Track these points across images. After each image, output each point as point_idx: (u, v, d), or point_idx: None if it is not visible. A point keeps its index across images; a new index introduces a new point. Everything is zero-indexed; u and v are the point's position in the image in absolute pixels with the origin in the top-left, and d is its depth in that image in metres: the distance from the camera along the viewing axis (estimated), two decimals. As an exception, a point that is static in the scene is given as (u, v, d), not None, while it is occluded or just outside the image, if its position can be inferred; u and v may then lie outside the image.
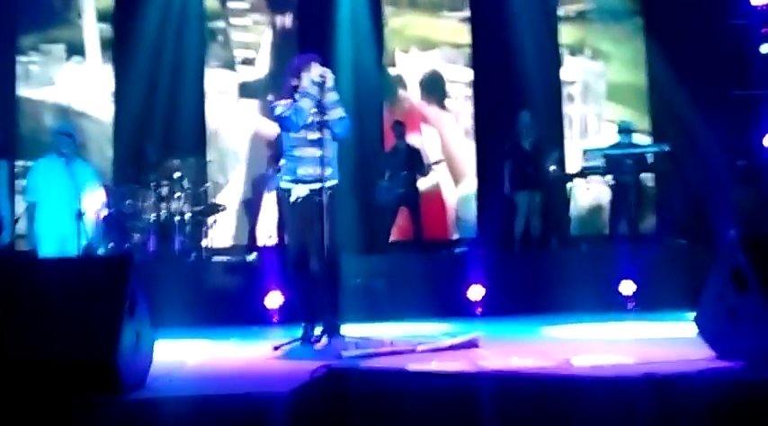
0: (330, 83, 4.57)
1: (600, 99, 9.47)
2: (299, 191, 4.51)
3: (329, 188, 4.56)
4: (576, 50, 9.52)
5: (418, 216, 8.07)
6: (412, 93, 9.39)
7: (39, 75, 8.83)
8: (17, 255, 5.60)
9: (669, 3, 9.03)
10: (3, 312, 2.83)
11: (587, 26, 9.58)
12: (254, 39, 9.28)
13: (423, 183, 8.28)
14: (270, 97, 8.76)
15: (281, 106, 4.53)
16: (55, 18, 8.92)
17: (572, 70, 9.48)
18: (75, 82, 8.86)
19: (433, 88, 9.40)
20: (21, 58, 8.78)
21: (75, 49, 8.92)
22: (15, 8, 8.73)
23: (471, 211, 9.12)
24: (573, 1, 9.59)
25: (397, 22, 9.44)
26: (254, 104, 9.18)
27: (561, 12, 9.51)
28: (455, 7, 9.51)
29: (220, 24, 9.24)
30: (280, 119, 4.56)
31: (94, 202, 5.97)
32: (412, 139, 8.56)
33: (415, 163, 8.03)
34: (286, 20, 9.29)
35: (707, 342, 3.40)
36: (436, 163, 8.19)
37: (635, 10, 9.52)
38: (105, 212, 6.32)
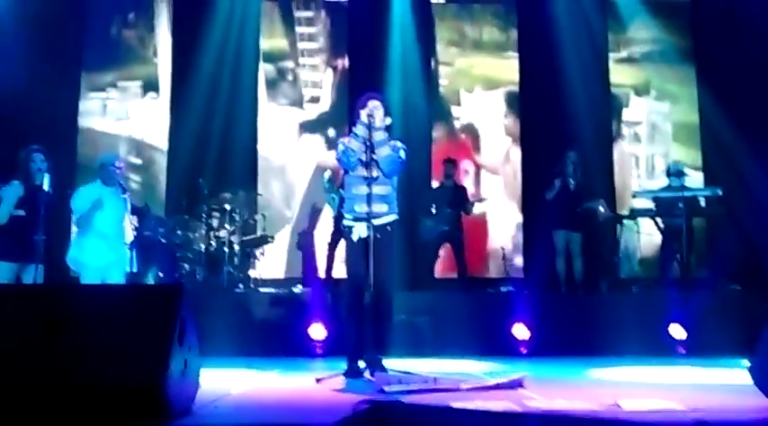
0: (378, 122, 4.68)
1: (666, 139, 9.39)
2: (360, 229, 4.59)
3: (387, 224, 4.65)
4: (642, 90, 9.51)
5: (462, 253, 8.04)
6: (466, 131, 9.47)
7: (115, 109, 9.22)
8: (69, 282, 5.67)
9: (721, 45, 8.94)
10: (56, 337, 2.90)
11: (639, 68, 9.54)
12: (321, 78, 9.53)
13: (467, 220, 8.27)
14: (331, 132, 9.20)
15: (340, 145, 4.69)
16: (130, 56, 9.32)
17: (633, 111, 9.48)
18: (148, 116, 9.21)
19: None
20: (99, 94, 9.18)
21: (150, 86, 9.29)
22: (81, 47, 9.14)
23: (517, 251, 9.06)
24: (625, 44, 9.58)
25: (462, 62, 9.56)
26: (316, 140, 9.40)
27: (613, 54, 9.50)
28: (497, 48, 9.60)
29: (289, 64, 9.49)
30: (337, 160, 4.73)
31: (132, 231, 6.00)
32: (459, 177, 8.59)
33: (460, 200, 8.04)
34: (345, 60, 9.51)
35: (762, 391, 3.29)
36: (480, 201, 8.13)
37: (687, 52, 9.45)
38: (153, 238, 6.31)
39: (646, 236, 8.04)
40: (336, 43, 9.55)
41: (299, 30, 9.55)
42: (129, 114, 9.23)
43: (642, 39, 9.53)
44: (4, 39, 8.05)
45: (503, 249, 8.74)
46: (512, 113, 9.45)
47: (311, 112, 9.44)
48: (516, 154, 9.33)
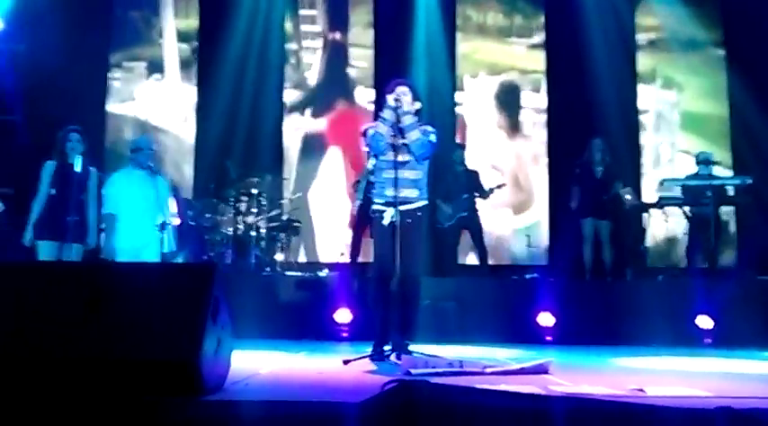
0: (406, 106, 4.71)
1: (673, 128, 9.28)
2: (390, 213, 4.62)
3: (417, 209, 4.68)
4: (649, 79, 9.41)
5: (481, 239, 8.05)
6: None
7: (121, 90, 9.33)
8: (105, 260, 5.78)
9: (751, 32, 8.82)
10: (95, 314, 2.99)
11: (664, 55, 9.43)
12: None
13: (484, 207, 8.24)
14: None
15: (370, 130, 4.72)
16: (137, 37, 9.42)
17: (646, 99, 9.36)
18: (154, 98, 9.32)
19: (507, 107, 9.43)
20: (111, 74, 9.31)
21: (155, 67, 9.38)
22: (110, 29, 9.26)
23: (542, 237, 9.05)
24: (649, 29, 9.46)
25: (465, 47, 9.52)
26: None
27: (638, 39, 9.40)
28: (523, 34, 9.53)
29: (293, 46, 9.53)
30: (367, 144, 4.75)
31: (171, 214, 6.12)
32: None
33: (475, 185, 8.02)
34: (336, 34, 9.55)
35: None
36: (498, 186, 8.09)
37: (716, 40, 9.33)
38: (178, 222, 6.41)
39: (673, 225, 7.98)
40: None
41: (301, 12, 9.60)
42: (134, 96, 9.33)
43: (670, 26, 9.41)
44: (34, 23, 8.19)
45: (528, 236, 8.72)
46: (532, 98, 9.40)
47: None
48: (540, 135, 9.29)
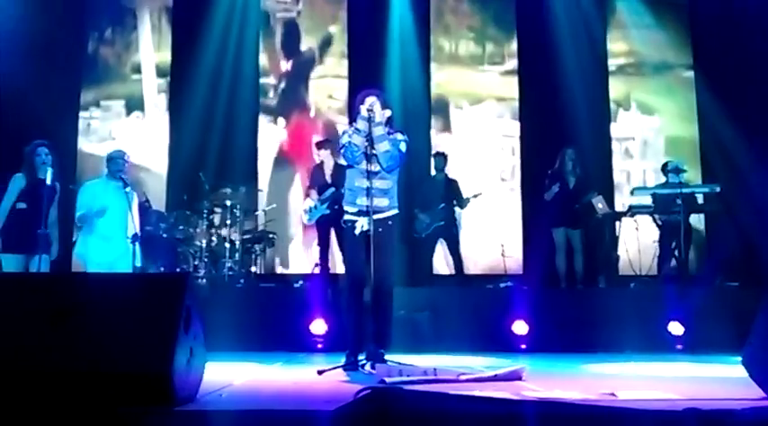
0: (378, 117, 4.74)
1: (657, 153, 9.42)
2: (362, 223, 4.63)
3: (388, 218, 4.70)
4: (624, 103, 9.55)
5: (457, 249, 8.07)
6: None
7: (99, 129, 9.20)
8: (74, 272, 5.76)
9: (720, 44, 9.01)
10: (63, 325, 2.95)
11: (635, 78, 9.58)
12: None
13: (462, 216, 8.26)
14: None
15: (345, 136, 4.75)
16: (109, 74, 9.30)
17: (626, 124, 9.52)
18: (134, 136, 9.16)
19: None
20: (82, 114, 9.18)
21: (135, 105, 9.27)
22: (81, 65, 9.15)
23: (516, 246, 9.11)
24: (620, 54, 9.62)
25: (440, 76, 9.59)
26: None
27: (610, 63, 9.55)
28: (495, 61, 9.62)
29: (271, 80, 9.55)
30: (342, 154, 4.79)
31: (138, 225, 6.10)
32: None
33: (453, 194, 8.04)
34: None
35: (755, 381, 3.35)
36: (474, 196, 8.12)
37: (685, 62, 9.50)
38: (155, 233, 6.37)
39: (644, 233, 8.09)
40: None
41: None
42: (113, 135, 9.20)
43: (642, 38, 9.57)
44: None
45: (502, 245, 8.77)
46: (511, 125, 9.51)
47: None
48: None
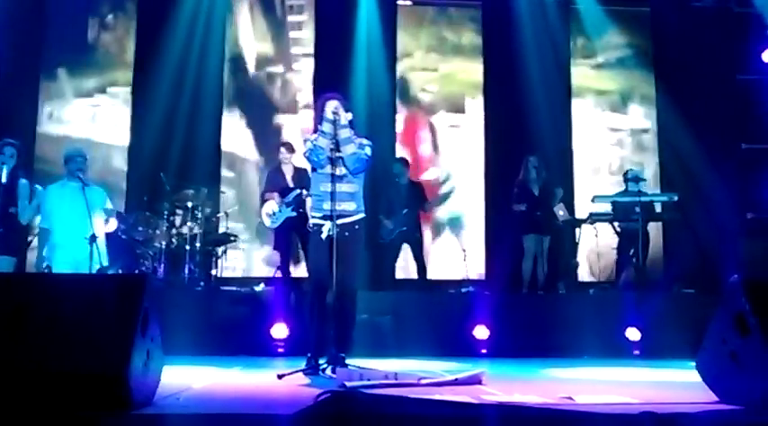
0: (343, 120, 4.72)
1: (622, 147, 9.57)
2: (328, 227, 4.61)
3: (354, 222, 4.69)
4: (586, 110, 9.68)
5: (421, 254, 8.08)
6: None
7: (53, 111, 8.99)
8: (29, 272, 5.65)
9: (679, 57, 9.20)
10: (19, 325, 2.89)
11: (599, 75, 9.73)
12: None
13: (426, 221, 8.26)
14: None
15: (308, 143, 4.72)
16: (74, 56, 9.11)
17: (586, 119, 9.64)
18: (99, 116, 9.03)
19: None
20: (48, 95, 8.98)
21: (96, 87, 9.12)
22: (43, 37, 8.98)
23: (478, 252, 9.16)
24: (586, 54, 9.76)
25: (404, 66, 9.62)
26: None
27: (574, 61, 9.68)
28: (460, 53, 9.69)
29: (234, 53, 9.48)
30: (306, 158, 4.75)
31: (106, 226, 6.03)
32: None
33: (417, 198, 8.05)
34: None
35: (708, 386, 3.42)
36: (440, 201, 8.07)
37: (647, 59, 9.68)
38: (112, 228, 6.31)
39: (603, 240, 8.21)
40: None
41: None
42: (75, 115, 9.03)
43: (604, 46, 9.73)
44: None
45: (464, 251, 8.81)
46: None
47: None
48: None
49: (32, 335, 2.85)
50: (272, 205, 7.28)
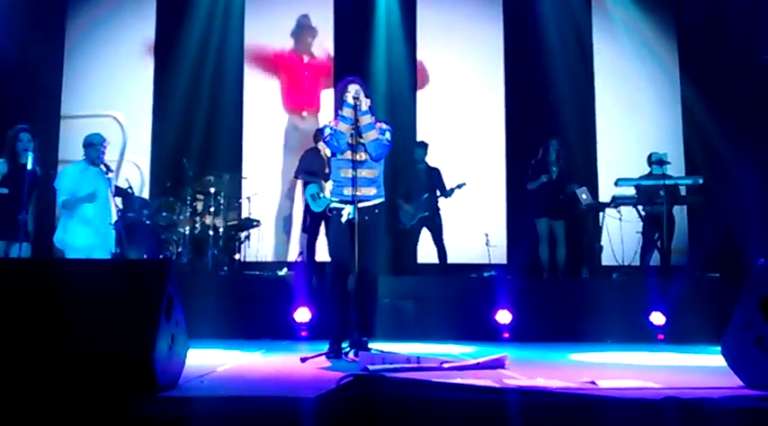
0: (364, 106, 4.71)
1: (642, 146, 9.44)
2: (349, 211, 4.62)
3: (375, 207, 4.69)
4: (610, 95, 9.55)
5: (441, 238, 8.08)
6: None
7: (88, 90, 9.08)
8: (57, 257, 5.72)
9: (704, 39, 9.05)
10: (44, 309, 2.94)
11: (622, 61, 9.60)
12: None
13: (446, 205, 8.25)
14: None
15: (328, 129, 4.71)
16: (93, 47, 9.17)
17: (607, 104, 9.51)
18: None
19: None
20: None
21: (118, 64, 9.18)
22: (65, 22, 9.04)
23: (500, 236, 9.13)
24: (609, 35, 9.62)
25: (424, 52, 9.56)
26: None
27: (596, 46, 9.55)
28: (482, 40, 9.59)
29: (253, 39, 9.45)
30: (326, 143, 4.74)
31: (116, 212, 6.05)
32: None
33: (436, 183, 8.03)
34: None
35: (733, 370, 3.39)
36: (459, 186, 8.11)
37: (671, 42, 9.52)
38: (138, 219, 6.33)
39: (627, 224, 8.13)
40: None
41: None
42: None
43: (628, 26, 9.59)
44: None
45: (486, 235, 8.78)
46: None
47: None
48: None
49: (58, 319, 2.89)
50: (316, 189, 7.26)
